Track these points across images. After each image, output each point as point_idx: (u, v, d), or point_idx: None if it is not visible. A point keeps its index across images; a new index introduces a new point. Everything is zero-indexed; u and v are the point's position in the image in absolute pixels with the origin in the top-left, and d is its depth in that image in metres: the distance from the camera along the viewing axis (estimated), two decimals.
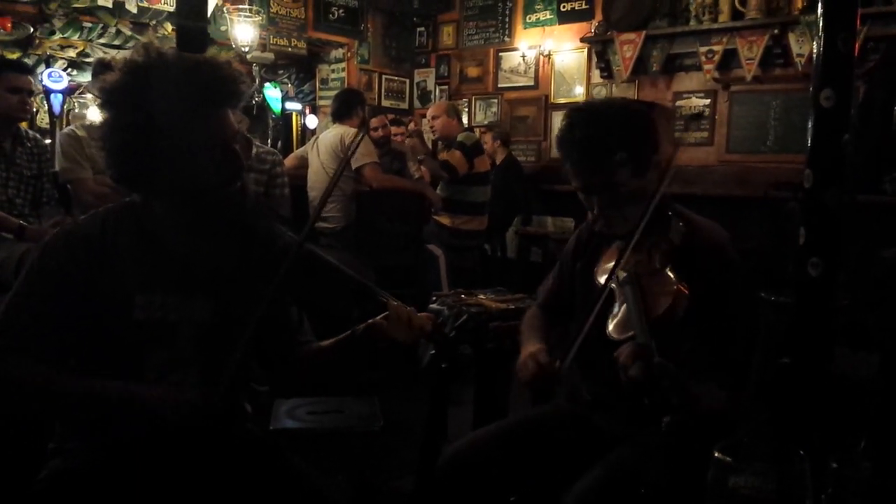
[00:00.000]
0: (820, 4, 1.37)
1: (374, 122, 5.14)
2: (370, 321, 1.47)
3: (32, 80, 3.47)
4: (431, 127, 5.35)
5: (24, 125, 3.51)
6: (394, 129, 6.45)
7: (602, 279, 1.70)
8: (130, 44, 6.30)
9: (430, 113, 5.41)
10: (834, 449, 0.89)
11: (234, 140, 1.48)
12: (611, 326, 1.58)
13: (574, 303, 1.93)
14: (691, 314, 1.54)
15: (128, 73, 1.41)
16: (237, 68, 1.50)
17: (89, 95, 6.71)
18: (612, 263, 1.66)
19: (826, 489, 0.82)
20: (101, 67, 3.29)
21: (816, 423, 1.23)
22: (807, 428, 1.22)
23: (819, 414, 1.26)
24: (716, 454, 0.79)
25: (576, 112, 1.80)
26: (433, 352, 2.45)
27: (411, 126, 6.82)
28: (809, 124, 1.40)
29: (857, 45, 1.40)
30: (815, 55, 1.40)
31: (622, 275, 1.62)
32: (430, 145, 6.68)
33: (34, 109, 6.19)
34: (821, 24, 1.38)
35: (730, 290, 1.66)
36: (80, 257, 1.41)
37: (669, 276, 1.59)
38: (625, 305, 1.57)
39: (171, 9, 6.00)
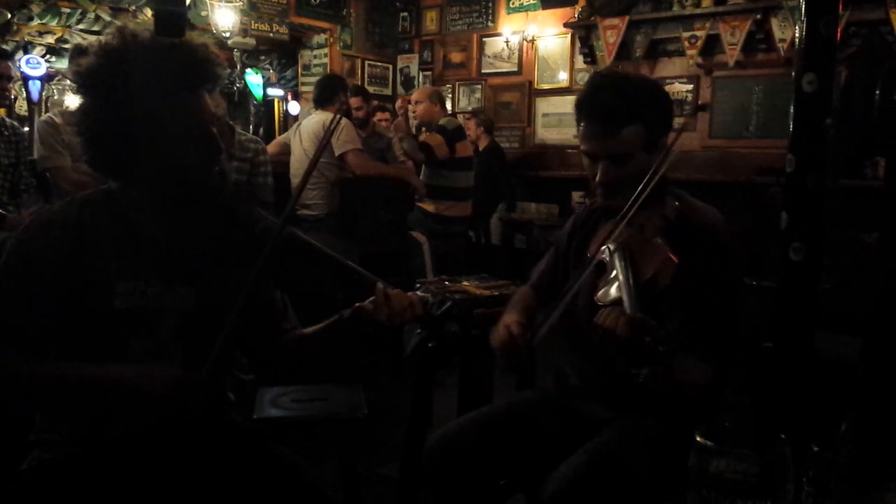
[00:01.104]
0: None
1: (353, 101, 5.12)
2: (357, 305, 1.45)
3: (11, 66, 3.42)
4: (413, 112, 5.33)
5: (1, 112, 3.46)
6: (379, 115, 6.44)
7: (594, 253, 1.71)
8: (109, 29, 6.22)
9: (412, 98, 5.39)
10: (815, 433, 0.89)
11: (211, 123, 1.46)
12: (599, 292, 1.58)
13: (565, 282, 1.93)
14: (679, 289, 1.54)
15: (102, 57, 1.39)
16: (213, 51, 1.47)
17: (68, 82, 6.63)
18: (605, 238, 1.66)
19: (807, 472, 0.82)
20: (78, 53, 3.25)
21: (798, 406, 1.24)
22: (789, 412, 1.23)
23: (801, 398, 1.27)
24: (697, 438, 0.80)
25: (602, 76, 1.82)
26: (419, 331, 2.44)
27: (398, 104, 6.79)
28: (791, 109, 1.40)
29: (839, 30, 1.40)
30: (797, 39, 1.40)
31: (612, 246, 1.63)
32: (412, 129, 6.67)
33: (13, 96, 6.12)
34: (803, 7, 1.37)
35: (720, 269, 1.66)
36: (57, 244, 1.39)
37: (659, 244, 1.60)
38: (615, 273, 1.57)
39: None
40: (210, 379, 1.35)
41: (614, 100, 1.71)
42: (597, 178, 1.77)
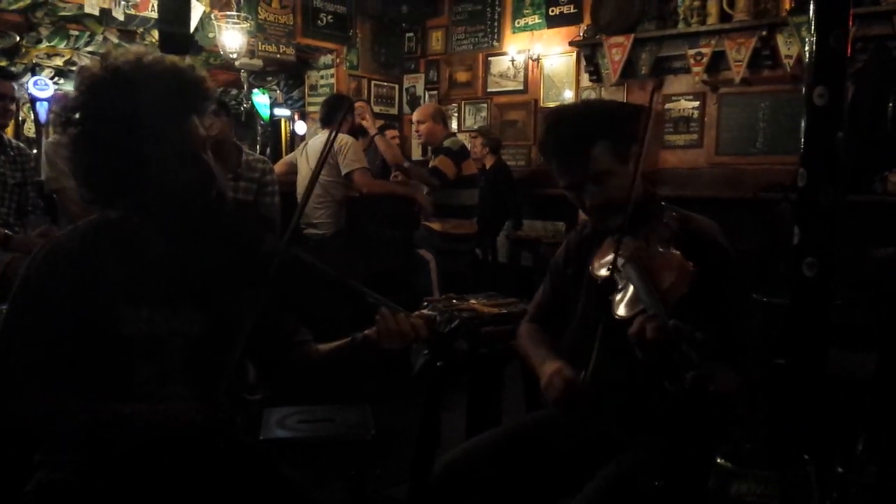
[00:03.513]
0: (812, 1, 1.36)
1: (357, 105, 5.15)
2: (365, 333, 1.44)
3: (14, 87, 3.44)
4: (417, 131, 5.33)
5: (8, 133, 3.47)
6: (389, 133, 6.47)
7: (601, 272, 1.68)
8: (90, 63, 6.25)
9: (415, 117, 5.37)
10: (836, 452, 0.87)
11: (203, 148, 1.43)
12: (620, 309, 1.53)
13: (567, 310, 1.90)
14: (697, 297, 1.51)
15: (86, 91, 1.37)
16: (200, 73, 1.44)
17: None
18: (610, 256, 1.63)
19: (831, 494, 0.79)
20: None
21: (819, 426, 1.22)
22: (810, 432, 1.20)
23: (818, 416, 1.24)
24: (718, 460, 0.77)
25: (552, 114, 1.85)
26: (426, 352, 2.41)
27: (389, 134, 6.81)
28: (802, 123, 1.39)
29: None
30: (807, 53, 1.39)
31: (622, 260, 1.60)
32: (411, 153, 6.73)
33: (21, 119, 6.16)
34: (813, 21, 1.36)
35: (730, 277, 1.66)
36: (62, 276, 1.38)
37: (673, 253, 1.58)
38: (630, 286, 1.54)
39: None
40: (225, 405, 1.34)
41: (569, 128, 1.74)
42: (586, 205, 1.77)
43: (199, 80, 1.43)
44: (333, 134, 1.59)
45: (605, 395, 1.76)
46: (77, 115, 1.38)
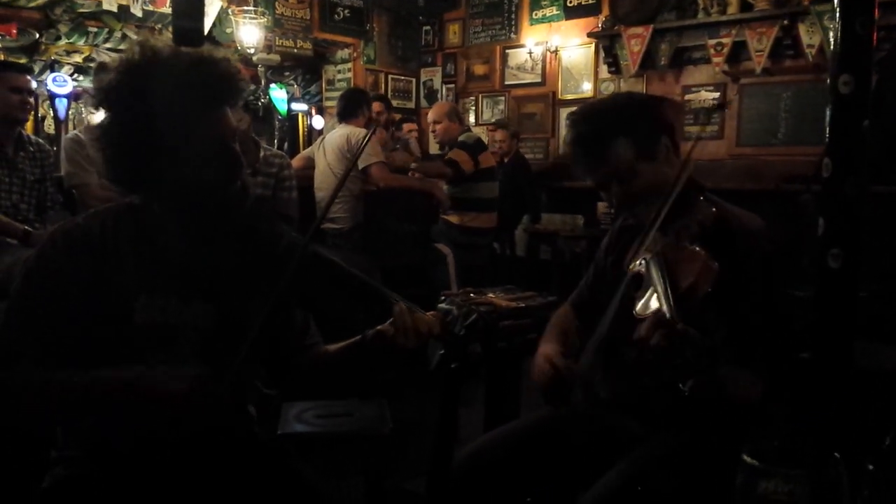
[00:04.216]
0: None
1: (375, 106, 5.19)
2: (378, 328, 1.42)
3: (31, 80, 3.45)
4: (433, 131, 5.33)
5: (28, 129, 3.49)
6: (407, 127, 6.48)
7: (630, 266, 1.66)
8: (130, 45, 6.28)
9: (430, 117, 5.36)
10: (864, 447, 0.84)
11: (233, 139, 1.44)
12: (637, 306, 1.52)
13: (604, 298, 1.89)
14: (722, 298, 1.48)
15: (124, 73, 1.38)
16: (235, 65, 1.45)
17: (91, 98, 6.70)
18: (640, 251, 1.62)
19: (862, 492, 0.77)
20: (101, 69, 3.27)
21: (846, 420, 1.19)
22: (837, 427, 1.17)
23: (845, 410, 1.21)
24: (744, 457, 0.75)
25: (573, 113, 1.83)
26: (442, 352, 2.40)
27: (406, 129, 6.81)
28: (827, 112, 1.36)
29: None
30: (832, 40, 1.36)
31: (647, 256, 1.58)
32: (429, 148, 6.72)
33: (41, 115, 6.20)
34: (838, 8, 1.33)
35: (762, 278, 1.62)
36: (79, 258, 1.38)
37: (698, 251, 1.53)
38: (651, 284, 1.52)
39: None
40: (229, 390, 1.32)
41: (588, 127, 1.73)
42: (614, 202, 1.77)
43: (234, 72, 1.44)
44: (368, 135, 1.57)
45: (624, 390, 1.74)
46: (113, 96, 1.38)
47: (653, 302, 1.45)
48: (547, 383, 1.70)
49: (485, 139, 5.99)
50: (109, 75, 1.40)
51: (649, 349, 1.35)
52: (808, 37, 5.50)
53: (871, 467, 0.77)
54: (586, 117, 1.76)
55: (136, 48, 1.41)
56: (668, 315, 1.36)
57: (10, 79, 3.24)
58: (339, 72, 7.92)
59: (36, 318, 1.35)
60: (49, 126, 6.57)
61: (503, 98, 7.75)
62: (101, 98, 1.40)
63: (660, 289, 1.46)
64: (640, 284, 1.57)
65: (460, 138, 5.13)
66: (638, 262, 1.60)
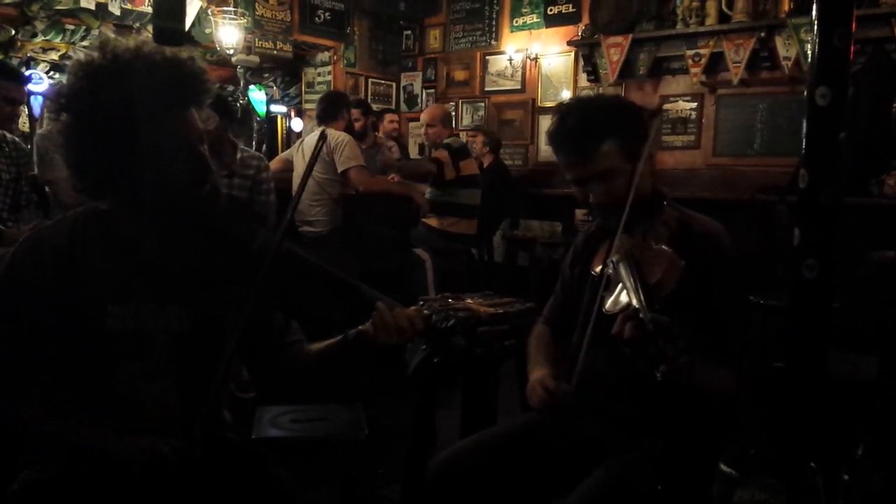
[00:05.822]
0: (815, 1, 1.34)
1: (352, 112, 5.13)
2: (360, 328, 1.41)
3: (25, 91, 3.41)
4: (426, 134, 5.33)
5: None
6: (388, 118, 6.43)
7: (597, 269, 1.70)
8: (90, 47, 6.21)
9: (424, 119, 5.35)
10: (837, 455, 0.85)
11: (200, 141, 1.41)
12: (607, 303, 1.55)
13: (575, 310, 1.90)
14: (688, 296, 1.53)
15: (82, 77, 1.34)
16: (199, 64, 1.41)
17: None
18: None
19: (837, 501, 0.78)
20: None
21: (819, 429, 1.20)
22: (810, 435, 1.18)
23: (818, 419, 1.22)
24: (721, 466, 0.75)
25: (566, 105, 1.84)
26: (424, 347, 2.39)
27: (385, 125, 6.76)
28: (804, 124, 1.37)
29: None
30: (809, 53, 1.37)
31: (616, 257, 1.61)
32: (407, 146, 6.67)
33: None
34: (816, 20, 1.34)
35: (726, 277, 1.67)
36: (47, 268, 1.36)
37: (664, 249, 1.60)
38: (619, 282, 1.55)
39: None
40: (198, 437, 1.32)
41: (581, 122, 1.74)
42: (590, 201, 1.78)
43: (198, 72, 1.40)
44: (318, 148, 1.51)
45: (598, 396, 1.76)
46: (73, 101, 1.34)
47: (622, 297, 1.49)
48: (546, 410, 1.72)
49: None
50: (69, 79, 1.36)
51: (624, 343, 1.37)
52: (784, 49, 5.57)
53: (845, 476, 0.77)
54: (577, 113, 1.76)
55: (97, 50, 1.37)
56: (637, 305, 1.40)
57: (6, 89, 3.18)
58: (318, 74, 7.88)
59: (3, 334, 1.33)
60: (23, 124, 6.48)
61: (483, 104, 7.76)
62: (60, 103, 1.36)
63: (629, 284, 1.49)
64: (608, 286, 1.60)
65: (446, 141, 5.13)
66: (607, 264, 1.63)
